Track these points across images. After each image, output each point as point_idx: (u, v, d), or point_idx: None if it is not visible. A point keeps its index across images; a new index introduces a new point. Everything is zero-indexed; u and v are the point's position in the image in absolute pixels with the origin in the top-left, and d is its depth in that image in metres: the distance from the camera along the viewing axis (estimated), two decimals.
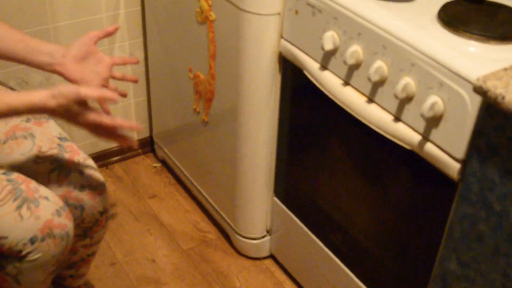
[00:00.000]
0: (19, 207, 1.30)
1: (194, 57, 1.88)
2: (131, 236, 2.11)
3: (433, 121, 1.25)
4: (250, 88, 1.70)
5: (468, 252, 1.25)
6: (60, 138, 1.49)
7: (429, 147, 1.28)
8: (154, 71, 2.22)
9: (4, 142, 1.46)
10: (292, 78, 1.65)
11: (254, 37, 1.61)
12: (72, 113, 1.26)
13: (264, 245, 2.03)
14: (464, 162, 1.22)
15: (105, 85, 1.47)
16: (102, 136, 1.33)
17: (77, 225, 1.47)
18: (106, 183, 1.53)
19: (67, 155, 1.47)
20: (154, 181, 2.34)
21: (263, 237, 2.01)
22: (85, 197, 1.47)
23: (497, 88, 1.07)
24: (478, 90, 1.10)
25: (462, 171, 1.22)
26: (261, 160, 1.83)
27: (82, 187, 1.46)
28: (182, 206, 2.25)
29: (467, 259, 1.26)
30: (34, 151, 1.46)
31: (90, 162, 1.51)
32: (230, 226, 2.04)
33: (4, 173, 1.36)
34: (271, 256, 2.06)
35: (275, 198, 1.91)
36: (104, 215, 1.54)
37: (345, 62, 1.40)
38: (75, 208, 1.46)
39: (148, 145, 2.46)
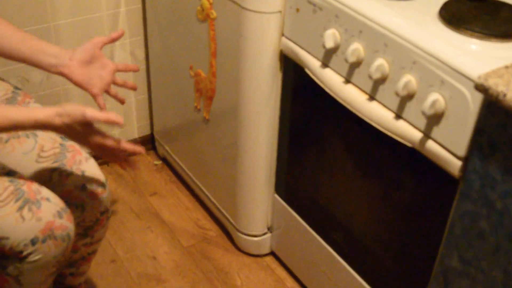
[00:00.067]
0: (20, 208, 1.30)
1: (195, 55, 1.88)
2: (132, 234, 2.11)
3: (434, 119, 1.25)
4: (251, 86, 1.70)
5: (469, 250, 1.25)
6: (62, 138, 1.50)
7: (430, 144, 1.28)
8: (155, 69, 2.22)
9: (6, 141, 1.46)
10: (293, 76, 1.65)
11: (255, 35, 1.61)
12: (76, 132, 1.28)
13: (265, 242, 2.03)
14: (466, 160, 1.22)
15: (107, 90, 1.50)
16: (105, 157, 1.38)
17: (77, 224, 1.48)
18: (107, 180, 1.53)
19: (69, 155, 1.48)
20: (155, 178, 2.35)
21: (264, 234, 2.02)
22: (86, 197, 1.47)
23: (498, 85, 1.08)
24: (480, 87, 1.11)
25: (463, 169, 1.23)
26: (262, 158, 1.83)
27: (83, 187, 1.46)
28: (183, 203, 2.25)
29: (468, 256, 1.26)
30: (36, 150, 1.47)
31: (92, 161, 1.51)
32: (231, 223, 2.05)
33: (6, 174, 1.36)
34: (272, 253, 2.06)
35: (276, 195, 1.92)
36: (105, 214, 1.54)
37: (346, 60, 1.40)
38: (76, 208, 1.47)
39: (149, 142, 2.46)
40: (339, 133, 1.58)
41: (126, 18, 2.14)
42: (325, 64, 1.50)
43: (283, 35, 1.60)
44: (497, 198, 1.16)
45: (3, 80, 1.58)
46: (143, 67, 2.28)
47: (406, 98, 1.30)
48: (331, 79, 1.48)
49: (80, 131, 1.28)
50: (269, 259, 2.05)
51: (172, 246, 2.08)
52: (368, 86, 1.39)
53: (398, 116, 1.34)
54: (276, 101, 1.72)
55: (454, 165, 1.24)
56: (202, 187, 2.16)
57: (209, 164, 2.06)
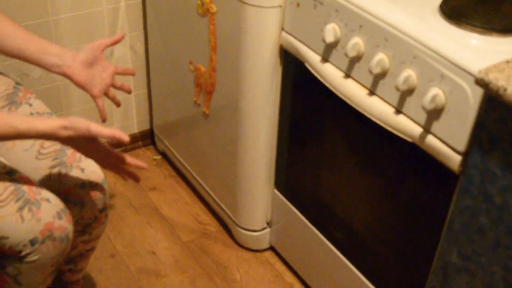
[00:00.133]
0: (20, 209, 1.31)
1: (195, 49, 1.88)
2: (131, 228, 2.11)
3: (435, 114, 1.25)
4: (251, 81, 1.70)
5: (469, 245, 1.25)
6: None
7: (430, 139, 1.28)
8: (155, 63, 2.22)
9: None
10: (293, 70, 1.65)
11: (255, 30, 1.61)
12: (80, 145, 1.31)
13: (264, 237, 2.03)
14: (465, 155, 1.22)
15: (106, 92, 1.53)
16: (108, 169, 1.40)
17: (76, 222, 1.48)
18: (106, 175, 1.53)
19: (69, 152, 1.48)
20: (155, 173, 2.34)
21: (263, 229, 2.02)
22: (85, 195, 1.47)
23: (499, 80, 1.07)
24: (480, 82, 1.10)
25: (463, 164, 1.23)
26: (261, 152, 1.83)
27: (82, 185, 1.46)
28: (182, 198, 2.25)
29: (468, 251, 1.26)
30: (36, 147, 1.47)
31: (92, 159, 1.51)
32: (231, 218, 2.05)
33: (7, 173, 1.36)
34: (271, 248, 2.06)
35: (276, 190, 1.91)
36: (104, 212, 1.54)
37: (346, 55, 1.40)
38: (74, 205, 1.47)
39: (148, 137, 2.46)
40: (339, 128, 1.58)
41: (126, 13, 2.14)
42: (325, 59, 1.49)
43: (283, 29, 1.60)
44: (497, 193, 1.16)
45: (4, 75, 1.58)
46: (142, 61, 2.28)
47: (406, 93, 1.30)
48: (331, 74, 1.47)
49: (84, 144, 1.30)
50: (269, 254, 2.05)
51: (172, 241, 2.08)
52: (368, 81, 1.39)
53: (398, 111, 1.33)
54: (276, 95, 1.72)
55: (454, 160, 1.24)
56: (202, 182, 2.16)
57: (208, 159, 2.06)
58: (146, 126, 2.44)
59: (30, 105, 1.52)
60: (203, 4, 1.74)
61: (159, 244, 2.07)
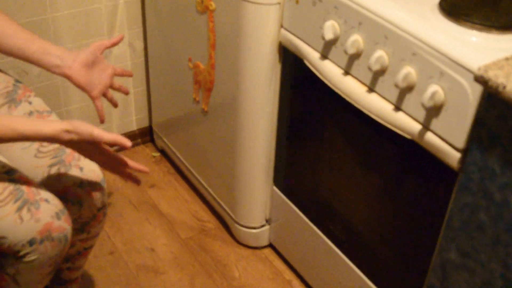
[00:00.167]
0: (19, 209, 1.31)
1: (194, 47, 1.88)
2: (130, 225, 2.11)
3: (434, 111, 1.25)
4: (250, 78, 1.69)
5: (468, 242, 1.25)
6: None
7: (430, 136, 1.28)
8: (154, 60, 2.22)
9: None
10: (292, 67, 1.65)
11: (254, 27, 1.61)
12: (83, 149, 1.32)
13: (263, 234, 2.03)
14: (465, 152, 1.22)
15: (105, 93, 1.54)
16: (110, 171, 1.41)
17: (74, 220, 1.48)
18: (105, 173, 1.53)
19: (68, 151, 1.47)
20: (154, 170, 2.34)
21: (262, 226, 2.02)
22: (84, 194, 1.47)
23: (498, 77, 1.07)
24: (479, 79, 1.10)
25: (463, 161, 1.23)
26: (260, 150, 1.83)
27: (81, 184, 1.46)
28: (181, 195, 2.25)
29: (467, 248, 1.26)
30: (36, 145, 1.47)
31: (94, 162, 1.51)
32: (229, 215, 2.05)
33: (6, 172, 1.36)
34: (270, 245, 2.06)
35: (275, 188, 1.91)
36: (102, 210, 1.54)
37: (345, 52, 1.40)
38: (73, 204, 1.47)
39: (147, 134, 2.46)
40: (338, 125, 1.58)
41: (125, 10, 2.13)
42: (324, 56, 1.49)
43: (282, 26, 1.60)
44: (497, 190, 1.16)
45: (3, 72, 1.58)
46: (141, 59, 2.27)
47: (406, 90, 1.30)
48: (330, 71, 1.47)
49: (87, 148, 1.31)
50: (267, 251, 2.05)
51: (170, 238, 2.08)
52: (368, 78, 1.39)
53: (398, 108, 1.33)
54: (275, 93, 1.72)
55: (453, 157, 1.24)
56: (201, 179, 2.16)
57: (207, 156, 2.06)
58: (145, 124, 2.44)
59: (30, 103, 1.52)
60: (202, 1, 1.74)
61: (158, 241, 2.07)
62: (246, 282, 1.95)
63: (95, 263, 1.97)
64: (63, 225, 1.36)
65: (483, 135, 1.15)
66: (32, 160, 1.45)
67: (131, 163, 1.39)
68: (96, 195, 1.50)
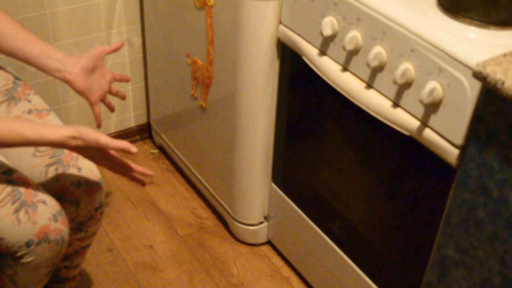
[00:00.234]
0: (17, 211, 1.31)
1: (192, 43, 1.88)
2: (128, 223, 2.11)
3: (432, 107, 1.24)
4: (248, 74, 1.69)
5: (466, 239, 1.25)
6: None
7: (428, 133, 1.27)
8: (152, 57, 2.21)
9: None
10: (291, 64, 1.64)
11: (252, 23, 1.60)
12: (89, 154, 1.33)
13: (261, 231, 2.03)
14: (463, 148, 1.21)
15: (103, 98, 1.55)
16: (116, 174, 1.41)
17: (71, 220, 1.48)
18: (104, 170, 1.53)
19: (66, 150, 1.47)
20: (152, 167, 2.34)
21: (261, 223, 2.01)
22: (82, 194, 1.47)
23: (496, 73, 1.07)
24: (478, 75, 1.10)
25: (461, 157, 1.22)
26: (259, 146, 1.83)
27: (79, 184, 1.46)
28: (179, 192, 2.25)
29: (465, 245, 1.26)
30: None
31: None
32: (228, 212, 2.04)
33: (4, 173, 1.36)
34: (269, 242, 2.06)
35: (273, 185, 1.91)
36: (99, 210, 1.54)
37: (344, 48, 1.39)
38: (70, 204, 1.47)
39: (145, 131, 2.45)
40: (337, 122, 1.57)
41: (123, 6, 2.13)
42: (322, 52, 1.49)
43: (280, 22, 1.60)
44: (495, 187, 1.15)
45: (2, 69, 1.57)
46: (139, 55, 2.27)
47: (404, 86, 1.29)
48: (328, 67, 1.47)
49: (93, 153, 1.32)
50: (266, 248, 2.05)
51: (169, 235, 2.08)
52: (366, 74, 1.38)
53: (396, 104, 1.33)
54: (273, 89, 1.72)
55: (452, 153, 1.24)
56: (199, 176, 2.15)
57: (206, 153, 2.06)
58: (143, 120, 2.43)
59: (29, 101, 1.52)
60: None
61: (156, 238, 2.06)
62: (244, 279, 1.95)
63: (93, 260, 1.96)
64: (60, 227, 1.36)
65: (481, 132, 1.15)
66: (30, 159, 1.45)
67: (136, 167, 1.40)
68: (94, 195, 1.50)
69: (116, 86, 1.64)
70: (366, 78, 1.39)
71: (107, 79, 1.53)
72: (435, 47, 1.21)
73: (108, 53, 1.53)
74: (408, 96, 1.29)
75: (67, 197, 1.46)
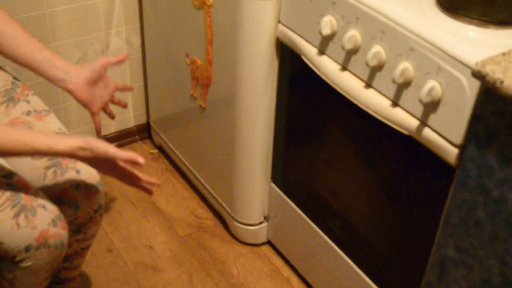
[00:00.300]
0: (16, 215, 1.31)
1: (191, 42, 1.87)
2: (128, 223, 2.11)
3: (431, 106, 1.24)
4: (247, 74, 1.69)
5: (466, 238, 1.25)
6: (59, 134, 1.49)
7: (427, 132, 1.27)
8: (151, 56, 2.21)
9: None
10: (290, 63, 1.64)
11: (251, 22, 1.60)
12: (97, 165, 1.34)
13: (261, 232, 2.03)
14: (462, 148, 1.21)
15: (104, 107, 1.56)
16: (124, 183, 1.42)
17: (70, 222, 1.48)
18: (102, 179, 1.53)
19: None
20: (151, 167, 2.34)
21: (261, 223, 2.01)
22: (81, 196, 1.47)
23: (495, 72, 1.07)
24: (477, 74, 1.09)
25: (460, 157, 1.22)
26: (258, 146, 1.82)
27: (78, 186, 1.46)
28: (179, 192, 2.24)
29: (465, 245, 1.26)
30: None
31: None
32: (228, 212, 2.04)
33: (4, 176, 1.36)
34: (269, 242, 2.06)
35: (273, 184, 1.91)
36: (99, 212, 1.54)
37: (343, 47, 1.39)
38: (69, 207, 1.47)
39: (145, 131, 2.45)
40: (336, 121, 1.57)
41: (122, 5, 2.12)
42: (321, 51, 1.49)
43: (279, 22, 1.59)
44: (494, 186, 1.15)
45: (2, 69, 1.57)
46: (139, 54, 2.27)
47: (403, 86, 1.29)
48: (327, 67, 1.47)
49: (101, 164, 1.33)
50: (266, 248, 2.05)
51: (169, 236, 2.07)
52: (365, 74, 1.38)
53: (395, 103, 1.33)
54: (273, 88, 1.72)
55: (451, 153, 1.23)
56: (199, 176, 2.15)
57: (205, 153, 2.05)
58: (142, 120, 2.43)
59: (28, 102, 1.51)
60: None
61: (156, 238, 2.06)
62: (244, 279, 1.94)
63: (93, 261, 1.96)
64: (60, 231, 1.36)
65: (480, 131, 1.14)
66: (29, 161, 1.45)
67: (144, 177, 1.41)
68: (93, 197, 1.50)
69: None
70: (365, 77, 1.38)
71: (110, 90, 1.54)
72: (434, 46, 1.21)
73: (113, 65, 1.53)
74: (407, 96, 1.29)
75: (66, 200, 1.46)
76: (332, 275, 1.77)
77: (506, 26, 1.24)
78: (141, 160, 1.31)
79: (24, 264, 1.34)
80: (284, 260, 2.00)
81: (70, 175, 1.46)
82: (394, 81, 1.28)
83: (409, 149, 1.36)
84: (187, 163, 2.20)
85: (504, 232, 1.16)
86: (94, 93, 1.49)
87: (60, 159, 1.46)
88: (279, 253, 2.02)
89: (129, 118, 2.38)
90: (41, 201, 1.35)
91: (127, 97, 2.33)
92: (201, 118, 1.98)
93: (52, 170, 1.45)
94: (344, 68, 1.44)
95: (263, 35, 1.61)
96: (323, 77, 1.48)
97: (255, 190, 1.93)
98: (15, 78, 1.56)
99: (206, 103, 1.92)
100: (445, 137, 1.24)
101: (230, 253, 2.03)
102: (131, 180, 1.41)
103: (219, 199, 2.07)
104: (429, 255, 1.38)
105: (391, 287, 1.57)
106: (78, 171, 1.47)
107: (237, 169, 1.90)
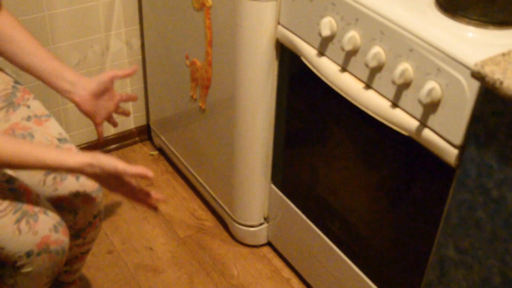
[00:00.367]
0: (18, 221, 1.31)
1: (191, 44, 1.87)
2: (128, 224, 2.11)
3: (431, 107, 1.24)
4: (247, 75, 1.69)
5: (466, 239, 1.25)
6: (59, 139, 1.49)
7: (427, 133, 1.27)
8: (151, 58, 2.21)
9: None
10: (289, 64, 1.64)
11: (251, 24, 1.60)
12: (106, 182, 1.33)
13: (261, 233, 2.03)
14: (462, 148, 1.21)
15: (108, 118, 1.56)
16: (131, 201, 1.44)
17: (69, 227, 1.48)
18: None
19: None
20: (151, 169, 2.31)
21: (261, 224, 2.01)
22: (80, 203, 1.48)
23: (495, 73, 1.07)
24: (476, 75, 1.10)
25: (460, 157, 1.22)
26: (258, 147, 1.82)
27: (77, 193, 1.46)
28: (179, 194, 2.25)
29: (465, 245, 1.26)
30: None
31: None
32: (228, 213, 2.04)
33: (6, 181, 1.36)
34: (269, 244, 2.06)
35: (273, 186, 1.91)
36: (98, 217, 1.54)
37: (342, 48, 1.39)
38: (69, 212, 1.47)
39: (145, 133, 2.45)
40: (336, 122, 1.57)
41: (122, 7, 2.13)
42: (321, 53, 1.49)
43: (279, 23, 1.59)
44: (494, 186, 1.15)
45: (2, 71, 1.57)
46: (138, 56, 2.27)
47: (403, 87, 1.29)
48: (327, 68, 1.47)
49: (110, 181, 1.32)
50: (266, 250, 2.05)
51: (169, 237, 2.07)
52: (365, 75, 1.38)
53: (395, 104, 1.33)
54: (272, 90, 1.72)
55: (451, 153, 1.23)
56: (199, 177, 2.15)
57: (205, 154, 2.05)
58: (142, 122, 2.43)
59: (28, 107, 1.51)
60: None
61: (156, 240, 2.06)
62: (244, 280, 1.94)
63: (93, 263, 1.96)
64: (61, 237, 1.36)
65: (480, 131, 1.15)
66: None
67: (154, 194, 1.41)
68: (92, 203, 1.50)
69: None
70: (364, 78, 1.39)
71: (114, 101, 1.54)
72: (434, 47, 1.21)
73: (121, 78, 1.53)
74: (407, 96, 1.29)
75: (65, 206, 1.46)
76: (332, 276, 1.77)
77: (505, 27, 1.24)
78: (150, 174, 1.32)
79: (25, 270, 1.34)
80: (284, 261, 2.00)
81: (70, 181, 1.46)
82: (393, 82, 1.28)
83: (409, 149, 1.36)
84: (187, 165, 2.20)
85: (504, 232, 1.16)
86: (98, 106, 1.50)
87: None
88: (279, 254, 2.02)
89: (129, 120, 2.38)
90: (43, 207, 1.36)
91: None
92: (201, 120, 1.99)
93: (51, 176, 1.45)
94: (343, 69, 1.44)
95: (262, 37, 1.61)
96: (323, 78, 1.49)
97: (255, 191, 1.94)
98: (15, 81, 1.55)
99: (206, 104, 1.92)
100: (445, 137, 1.24)
101: (230, 254, 2.03)
102: (139, 196, 1.40)
103: (219, 201, 2.07)
104: (429, 255, 1.38)
105: None
106: (77, 178, 1.47)
107: (237, 170, 1.90)
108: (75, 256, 1.61)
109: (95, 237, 1.61)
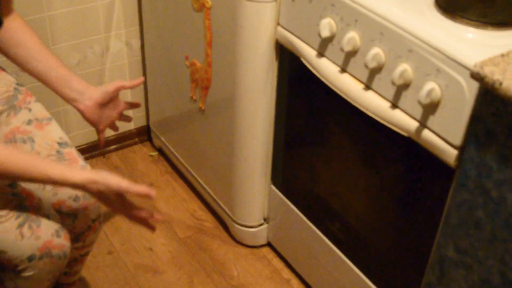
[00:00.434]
0: (21, 225, 1.31)
1: (190, 45, 1.88)
2: (128, 225, 2.11)
3: (430, 108, 1.24)
4: (247, 76, 1.69)
5: (466, 239, 1.25)
6: (60, 144, 1.49)
7: (426, 133, 1.27)
8: (151, 59, 2.21)
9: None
10: (289, 65, 1.64)
11: (250, 24, 1.60)
12: (108, 199, 1.33)
13: (261, 233, 2.03)
14: (461, 149, 1.21)
15: (111, 126, 1.58)
16: (131, 221, 1.42)
17: (69, 231, 1.48)
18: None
19: (65, 163, 1.47)
20: (151, 169, 2.34)
21: (260, 225, 2.01)
22: (79, 207, 1.48)
23: (494, 74, 1.07)
24: (475, 76, 1.10)
25: (459, 158, 1.22)
26: (258, 148, 1.83)
27: (76, 197, 1.46)
28: (179, 194, 2.25)
29: (465, 245, 1.26)
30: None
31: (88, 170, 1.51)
32: (227, 214, 2.04)
33: (9, 185, 1.36)
34: (268, 244, 2.06)
35: (272, 186, 1.91)
36: (97, 220, 1.54)
37: (342, 49, 1.39)
38: (68, 217, 1.47)
39: (145, 133, 2.45)
40: (335, 123, 1.57)
41: (122, 8, 2.13)
42: (321, 54, 1.49)
43: (278, 24, 1.60)
44: (493, 187, 1.15)
45: (4, 70, 1.56)
46: (138, 57, 2.27)
47: (402, 87, 1.29)
48: (327, 69, 1.47)
49: (112, 199, 1.32)
50: (266, 250, 2.05)
51: (169, 238, 2.08)
52: (364, 75, 1.38)
53: (394, 105, 1.33)
54: (272, 90, 1.72)
55: (450, 154, 1.24)
56: (198, 178, 2.15)
57: (205, 155, 2.06)
58: (142, 122, 2.43)
59: (30, 110, 1.51)
60: None
61: (156, 240, 2.06)
62: (244, 281, 1.95)
63: (93, 263, 1.96)
64: (63, 242, 1.37)
65: (479, 132, 1.15)
66: None
67: (156, 215, 1.40)
68: (91, 208, 1.50)
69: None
70: (364, 79, 1.39)
71: (118, 109, 1.55)
72: (433, 48, 1.21)
73: (127, 88, 1.54)
74: (406, 97, 1.29)
75: (64, 210, 1.46)
76: (332, 276, 1.77)
77: (504, 27, 1.24)
78: (153, 193, 1.32)
79: (26, 274, 1.34)
80: (284, 261, 2.01)
81: None
82: (393, 83, 1.28)
83: (408, 150, 1.37)
84: (187, 165, 2.20)
85: (503, 232, 1.17)
86: (102, 114, 1.52)
87: None
88: (279, 254, 2.02)
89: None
90: (45, 212, 1.37)
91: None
92: (201, 120, 1.99)
93: None
94: (343, 70, 1.44)
95: (262, 37, 1.62)
96: (323, 79, 1.49)
97: (255, 192, 1.94)
98: (17, 83, 1.55)
99: (205, 105, 1.92)
100: (444, 138, 1.24)
101: (230, 255, 2.03)
102: (139, 216, 1.40)
103: (219, 201, 2.08)
104: (429, 255, 1.39)
105: None
106: None
107: (237, 171, 1.90)
108: (74, 258, 1.61)
109: (95, 240, 1.61)
